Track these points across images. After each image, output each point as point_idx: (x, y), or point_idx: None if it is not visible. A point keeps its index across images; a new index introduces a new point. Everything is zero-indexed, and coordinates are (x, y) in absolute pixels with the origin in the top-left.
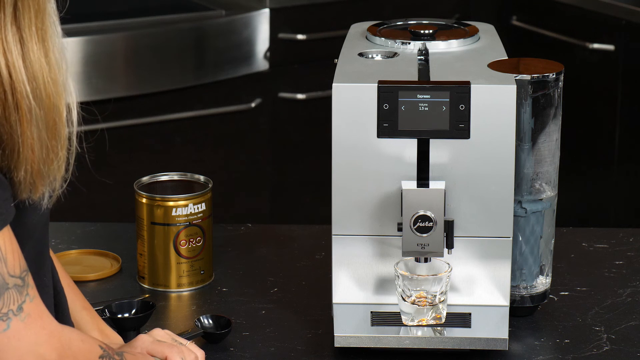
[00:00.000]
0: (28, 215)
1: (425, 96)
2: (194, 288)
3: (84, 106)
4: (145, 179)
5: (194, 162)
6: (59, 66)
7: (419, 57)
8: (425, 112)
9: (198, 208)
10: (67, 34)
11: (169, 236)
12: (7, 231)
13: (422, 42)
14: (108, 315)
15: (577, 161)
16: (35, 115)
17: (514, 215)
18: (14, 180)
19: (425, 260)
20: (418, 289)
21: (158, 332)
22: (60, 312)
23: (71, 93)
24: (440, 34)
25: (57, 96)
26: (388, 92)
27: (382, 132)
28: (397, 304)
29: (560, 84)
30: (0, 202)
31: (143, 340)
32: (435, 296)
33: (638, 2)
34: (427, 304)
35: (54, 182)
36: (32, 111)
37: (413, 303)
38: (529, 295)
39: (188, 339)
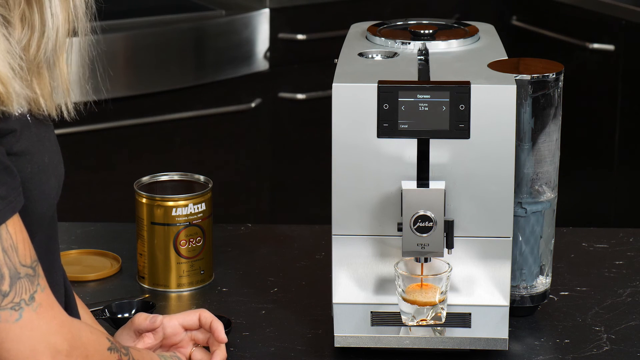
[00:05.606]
0: (36, 205)
1: (425, 96)
2: (194, 288)
3: (84, 106)
4: (145, 179)
5: (194, 162)
6: None
7: (419, 57)
8: (425, 112)
9: (198, 208)
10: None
11: (169, 236)
12: (17, 220)
13: (422, 42)
14: (108, 315)
15: (577, 161)
16: None
17: (514, 216)
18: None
19: (426, 260)
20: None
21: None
22: (69, 312)
23: None
24: (440, 34)
25: None
26: (388, 92)
27: (382, 132)
28: (397, 304)
29: (560, 84)
30: (9, 190)
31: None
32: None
33: (638, 2)
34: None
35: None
36: None
37: (413, 303)
38: (529, 295)
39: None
